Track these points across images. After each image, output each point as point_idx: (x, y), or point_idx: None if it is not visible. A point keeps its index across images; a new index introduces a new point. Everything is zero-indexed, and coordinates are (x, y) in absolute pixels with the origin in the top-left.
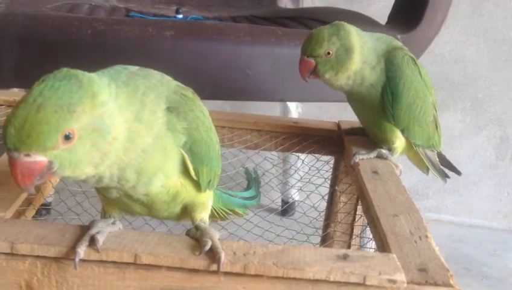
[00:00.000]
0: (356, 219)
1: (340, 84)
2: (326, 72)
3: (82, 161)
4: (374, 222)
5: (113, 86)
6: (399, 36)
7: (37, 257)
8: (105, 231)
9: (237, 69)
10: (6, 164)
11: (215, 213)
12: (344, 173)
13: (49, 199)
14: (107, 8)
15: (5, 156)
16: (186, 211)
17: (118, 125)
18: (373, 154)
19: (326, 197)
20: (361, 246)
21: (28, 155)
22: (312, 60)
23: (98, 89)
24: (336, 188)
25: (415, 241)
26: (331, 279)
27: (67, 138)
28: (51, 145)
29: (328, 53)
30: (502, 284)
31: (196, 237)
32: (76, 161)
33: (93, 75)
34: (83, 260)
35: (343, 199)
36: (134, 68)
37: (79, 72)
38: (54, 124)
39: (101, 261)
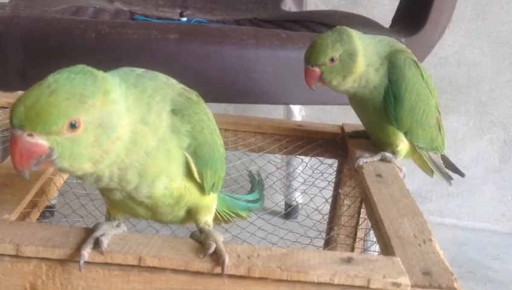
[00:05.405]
0: (360, 222)
1: (346, 88)
2: (332, 79)
3: (82, 155)
4: (377, 225)
5: (124, 86)
6: (403, 39)
7: (42, 259)
8: (110, 233)
9: (241, 72)
10: (11, 166)
11: (219, 216)
12: (348, 176)
13: (53, 201)
14: (112, 11)
15: (9, 159)
16: (190, 214)
17: (124, 126)
18: (377, 158)
19: (329, 200)
20: (365, 249)
21: (31, 135)
22: (317, 69)
23: (111, 87)
24: (340, 191)
25: (419, 245)
26: (335, 282)
27: (72, 126)
28: (55, 130)
29: (332, 60)
30: (506, 287)
31: (200, 240)
32: (77, 153)
33: (106, 74)
34: (87, 262)
35: (346, 202)
36: (140, 70)
37: (94, 70)
38: (64, 109)
39: (106, 264)
